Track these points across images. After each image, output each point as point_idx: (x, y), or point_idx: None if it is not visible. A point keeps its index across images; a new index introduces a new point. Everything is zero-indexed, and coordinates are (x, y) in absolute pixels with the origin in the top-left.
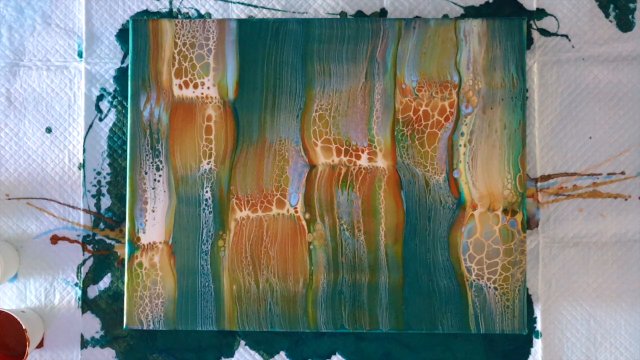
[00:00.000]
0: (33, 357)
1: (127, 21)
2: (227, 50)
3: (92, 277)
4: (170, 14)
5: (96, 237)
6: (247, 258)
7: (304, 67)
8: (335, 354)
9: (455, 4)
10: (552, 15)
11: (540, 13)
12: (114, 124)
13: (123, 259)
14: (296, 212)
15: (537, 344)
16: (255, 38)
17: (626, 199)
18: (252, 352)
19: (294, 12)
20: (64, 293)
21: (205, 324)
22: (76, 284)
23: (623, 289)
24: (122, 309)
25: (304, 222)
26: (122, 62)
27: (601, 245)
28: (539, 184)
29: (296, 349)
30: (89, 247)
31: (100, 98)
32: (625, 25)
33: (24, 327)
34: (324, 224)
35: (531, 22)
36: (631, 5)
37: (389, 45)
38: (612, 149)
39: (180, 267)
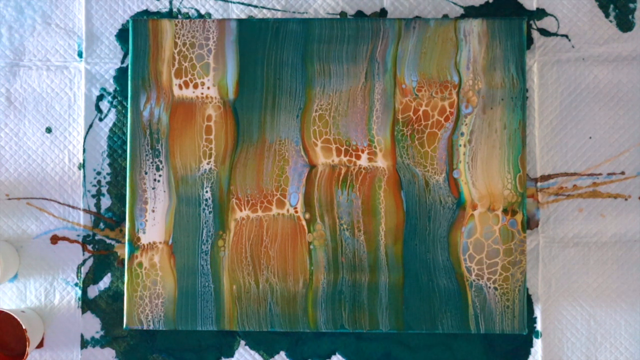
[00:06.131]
0: (33, 357)
1: (127, 21)
2: (227, 50)
3: (92, 277)
4: (170, 14)
5: (96, 237)
6: (247, 258)
7: (304, 67)
8: (335, 354)
9: (455, 4)
10: (552, 15)
11: (540, 13)
12: (114, 124)
13: (123, 259)
14: (296, 212)
15: (537, 344)
16: (255, 38)
17: (626, 199)
18: (252, 352)
19: (294, 12)
20: (64, 293)
21: (205, 324)
22: (76, 284)
23: (623, 289)
24: (122, 309)
25: (304, 222)
26: (122, 62)
27: (601, 245)
28: (539, 184)
29: (296, 349)
30: (89, 247)
31: (100, 98)
32: (625, 25)
33: (24, 327)
34: (324, 224)
35: (531, 22)
36: (631, 5)
37: (389, 45)
38: (612, 149)
39: (180, 267)
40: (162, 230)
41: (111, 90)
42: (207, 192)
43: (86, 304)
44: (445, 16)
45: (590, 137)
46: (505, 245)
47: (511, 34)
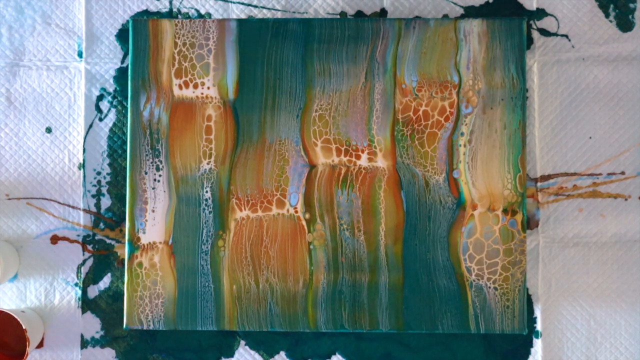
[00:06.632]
0: (33, 357)
1: (127, 21)
2: (227, 50)
3: (92, 277)
4: (170, 14)
5: (96, 237)
6: (247, 258)
7: (304, 67)
8: (335, 354)
9: (455, 4)
10: (552, 15)
11: (540, 13)
12: (114, 124)
13: (123, 259)
14: (296, 212)
15: (537, 344)
16: (255, 38)
17: (626, 199)
18: (252, 352)
19: (294, 12)
20: (64, 293)
21: (205, 324)
22: (76, 284)
23: (623, 289)
24: (122, 309)
25: (304, 222)
26: (122, 62)
27: (601, 245)
28: (539, 184)
29: (296, 349)
30: (89, 247)
31: (100, 98)
32: (625, 25)
33: (24, 327)
34: (324, 224)
35: (531, 22)
36: (631, 5)
37: (389, 45)
38: (612, 149)
39: (180, 267)
40: (162, 230)
41: (111, 90)
42: (207, 192)
43: (86, 304)
44: (445, 16)
45: (590, 137)
46: (505, 245)
47: (511, 34)
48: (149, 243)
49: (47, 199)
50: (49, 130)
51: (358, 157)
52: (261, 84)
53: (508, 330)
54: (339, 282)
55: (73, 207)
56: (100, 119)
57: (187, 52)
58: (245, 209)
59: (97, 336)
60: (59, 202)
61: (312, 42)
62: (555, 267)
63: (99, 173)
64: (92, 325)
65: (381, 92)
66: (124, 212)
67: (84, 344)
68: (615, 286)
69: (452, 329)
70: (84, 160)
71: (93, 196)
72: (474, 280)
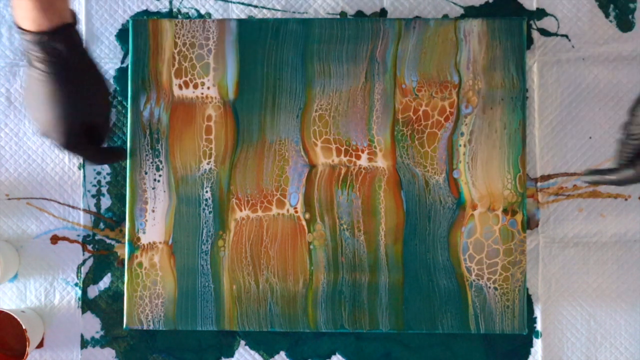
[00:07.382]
0: (33, 357)
1: (127, 21)
2: (227, 50)
3: (92, 277)
4: (170, 14)
5: (96, 237)
6: (247, 258)
7: (304, 67)
8: (335, 354)
9: (455, 4)
10: (552, 15)
11: (540, 13)
12: (114, 124)
13: (123, 259)
14: (296, 212)
15: (537, 344)
16: (255, 38)
17: (626, 199)
18: (252, 352)
19: (294, 12)
20: (64, 293)
21: (205, 324)
22: (76, 284)
23: (623, 289)
24: (122, 309)
25: (304, 222)
26: (122, 62)
27: (601, 245)
28: (539, 184)
29: (296, 349)
30: (89, 247)
31: None
32: (625, 25)
33: (24, 327)
34: (324, 224)
35: (531, 22)
36: (631, 5)
37: (389, 45)
38: (612, 149)
39: (180, 267)
40: (162, 230)
41: (111, 90)
42: (207, 192)
43: (86, 304)
44: (445, 16)
45: (590, 137)
46: (505, 245)
47: (511, 34)
48: (149, 243)
49: (47, 199)
50: None
51: (358, 157)
52: (261, 84)
53: (508, 330)
54: (339, 282)
55: (73, 207)
56: None
57: (187, 52)
58: (245, 209)
59: (97, 336)
60: (59, 202)
61: (312, 42)
62: (555, 267)
63: (99, 173)
64: (92, 325)
65: (381, 92)
66: (124, 212)
67: (84, 344)
68: (615, 286)
69: (452, 329)
70: (84, 160)
71: (93, 196)
72: (474, 280)
